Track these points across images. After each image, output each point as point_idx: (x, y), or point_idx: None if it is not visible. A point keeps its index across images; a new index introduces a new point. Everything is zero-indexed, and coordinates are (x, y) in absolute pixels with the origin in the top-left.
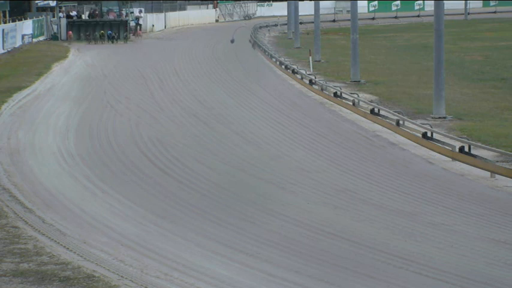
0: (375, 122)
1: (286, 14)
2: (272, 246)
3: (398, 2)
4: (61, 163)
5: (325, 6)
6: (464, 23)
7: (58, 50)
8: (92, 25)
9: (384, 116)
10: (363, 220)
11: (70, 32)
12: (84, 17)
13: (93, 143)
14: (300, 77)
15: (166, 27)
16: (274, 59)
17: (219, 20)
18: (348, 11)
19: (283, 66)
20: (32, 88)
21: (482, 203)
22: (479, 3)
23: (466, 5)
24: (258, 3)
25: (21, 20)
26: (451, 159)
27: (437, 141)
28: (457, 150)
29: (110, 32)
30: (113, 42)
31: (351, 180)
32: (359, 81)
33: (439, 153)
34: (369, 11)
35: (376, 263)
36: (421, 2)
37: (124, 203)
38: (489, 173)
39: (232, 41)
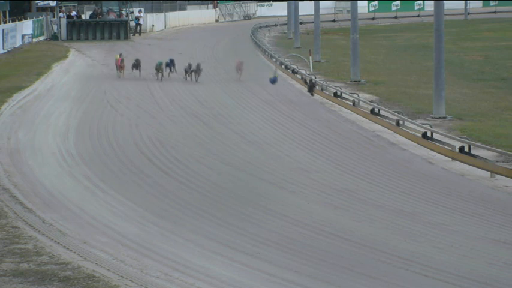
0: (375, 122)
1: (286, 14)
2: (272, 246)
3: (398, 2)
4: (61, 163)
5: (325, 6)
6: (464, 23)
7: (58, 50)
8: (92, 25)
9: (384, 116)
10: (363, 220)
11: (121, 59)
12: (85, 16)
13: (93, 143)
14: (300, 77)
15: (166, 27)
16: (274, 59)
17: (219, 20)
18: (348, 11)
19: (283, 66)
20: (32, 88)
21: (482, 203)
22: (479, 3)
23: (466, 5)
24: (258, 3)
25: (21, 20)
26: (451, 159)
27: (437, 141)
28: (457, 150)
29: (189, 64)
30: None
31: (351, 180)
32: (359, 81)
33: (439, 153)
34: (369, 11)
35: (376, 263)
36: (421, 2)
37: (124, 203)
38: (489, 173)
39: (273, 81)
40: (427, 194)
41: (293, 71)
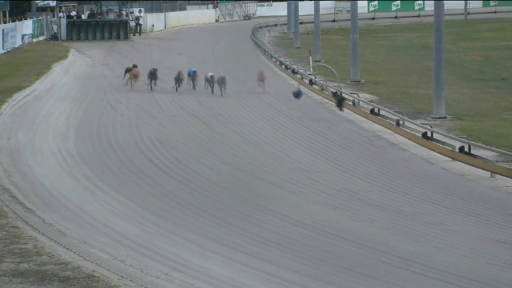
0: (375, 122)
1: (286, 14)
2: (272, 246)
3: (398, 2)
4: (61, 163)
5: (325, 6)
6: (464, 23)
7: (58, 50)
8: (92, 25)
9: (384, 116)
10: (363, 220)
11: (137, 69)
12: (84, 17)
13: (93, 143)
14: (300, 77)
15: (166, 27)
16: (274, 59)
17: (219, 20)
18: (348, 11)
19: (283, 66)
20: (32, 88)
21: (482, 203)
22: (479, 3)
23: (466, 5)
24: (258, 3)
25: (21, 20)
26: (451, 159)
27: (437, 141)
28: (457, 150)
29: (211, 75)
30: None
31: (351, 180)
32: (359, 81)
33: (439, 153)
34: (369, 11)
35: (376, 263)
36: (421, 2)
37: (124, 203)
38: (489, 173)
39: (297, 95)
40: (427, 194)
41: (293, 71)
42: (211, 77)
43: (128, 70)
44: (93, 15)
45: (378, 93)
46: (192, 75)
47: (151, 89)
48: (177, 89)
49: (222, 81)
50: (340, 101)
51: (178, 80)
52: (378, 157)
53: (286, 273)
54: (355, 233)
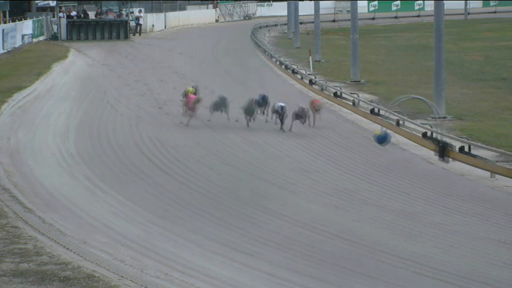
0: (375, 122)
1: (286, 14)
2: (272, 246)
3: (398, 2)
4: (61, 163)
5: (325, 6)
6: (464, 23)
7: (58, 50)
8: (92, 25)
9: (383, 116)
10: (363, 220)
11: (194, 101)
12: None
13: (93, 143)
14: (300, 77)
15: (166, 27)
16: (274, 59)
17: (219, 20)
18: (348, 11)
19: (283, 66)
20: (32, 88)
21: (482, 203)
22: (479, 3)
23: (466, 5)
24: (258, 3)
25: (21, 20)
26: (451, 159)
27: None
28: (457, 150)
29: (281, 105)
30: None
31: (351, 180)
32: (359, 81)
33: None
34: (369, 11)
35: (376, 263)
36: (421, 2)
37: (124, 203)
38: (489, 173)
39: (383, 140)
40: (427, 194)
41: (293, 71)
42: (282, 108)
43: (186, 95)
44: (86, 15)
45: (378, 93)
46: (264, 104)
47: (228, 119)
48: (248, 124)
49: (303, 114)
50: (443, 148)
51: (249, 112)
52: (377, 157)
53: (286, 273)
54: (355, 233)
